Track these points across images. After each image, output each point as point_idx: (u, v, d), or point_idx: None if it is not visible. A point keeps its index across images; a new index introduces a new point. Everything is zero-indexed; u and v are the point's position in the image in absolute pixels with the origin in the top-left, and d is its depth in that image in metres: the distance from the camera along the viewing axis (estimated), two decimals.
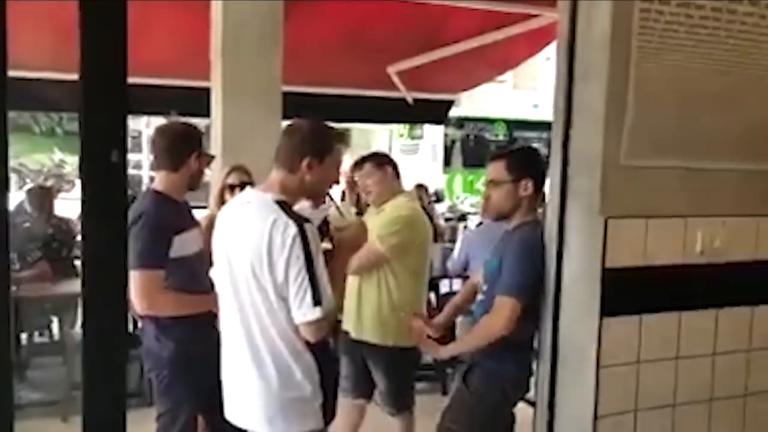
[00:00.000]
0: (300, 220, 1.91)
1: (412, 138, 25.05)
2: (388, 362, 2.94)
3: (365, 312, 2.93)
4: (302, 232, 1.88)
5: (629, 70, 2.16)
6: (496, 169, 2.50)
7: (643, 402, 2.30)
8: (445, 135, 16.71)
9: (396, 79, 6.03)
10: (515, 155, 2.57)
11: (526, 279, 2.34)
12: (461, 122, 16.89)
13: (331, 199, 2.20)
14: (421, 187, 6.61)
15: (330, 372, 2.06)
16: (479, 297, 2.55)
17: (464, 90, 7.79)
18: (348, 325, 3.01)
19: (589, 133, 2.23)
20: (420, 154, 21.02)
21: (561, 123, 2.32)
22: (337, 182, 2.14)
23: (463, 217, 9.53)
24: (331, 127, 2.11)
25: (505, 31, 5.10)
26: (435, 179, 15.67)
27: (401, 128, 23.73)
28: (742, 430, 2.46)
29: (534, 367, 2.48)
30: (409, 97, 6.43)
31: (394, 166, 3.04)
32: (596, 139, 2.20)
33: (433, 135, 18.00)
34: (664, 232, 2.27)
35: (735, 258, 2.37)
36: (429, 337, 2.61)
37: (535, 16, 4.79)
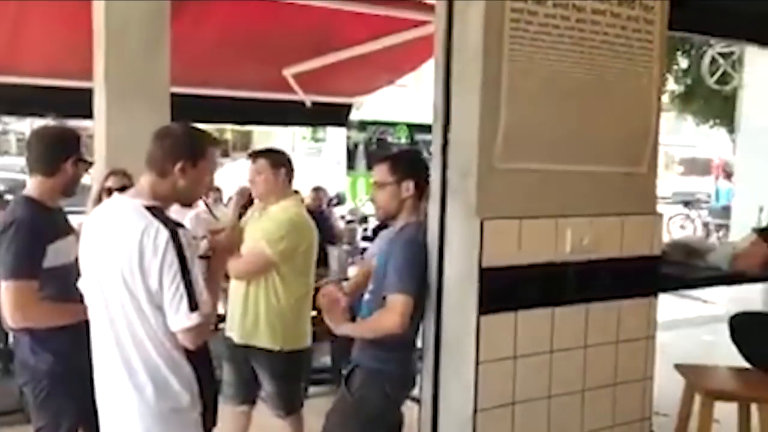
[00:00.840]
0: (172, 225, 1.88)
1: (315, 141, 24.96)
2: (278, 365, 2.94)
3: (253, 316, 2.91)
4: (175, 238, 1.85)
5: (501, 76, 2.26)
6: (380, 171, 2.55)
7: (521, 395, 2.40)
8: (348, 138, 16.81)
9: (292, 82, 6.02)
10: (398, 158, 2.64)
11: (413, 278, 2.40)
12: (364, 125, 17.04)
13: (205, 203, 2.17)
14: (319, 190, 6.62)
15: (209, 380, 2.04)
16: (366, 296, 2.59)
17: (363, 94, 7.86)
18: (232, 330, 2.98)
19: (465, 138, 2.32)
20: (323, 157, 20.96)
21: (440, 127, 2.40)
22: (212, 187, 2.12)
23: (364, 220, 9.61)
24: (205, 131, 2.08)
25: (399, 36, 5.19)
26: (338, 182, 15.71)
27: (304, 131, 23.60)
28: (612, 418, 2.61)
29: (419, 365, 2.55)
30: (307, 100, 6.43)
31: (289, 169, 3.03)
32: (472, 143, 2.28)
33: (337, 138, 18.03)
34: (536, 232, 2.38)
35: (602, 255, 2.52)
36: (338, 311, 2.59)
37: (429, 22, 4.90)
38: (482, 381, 2.31)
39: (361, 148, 16.61)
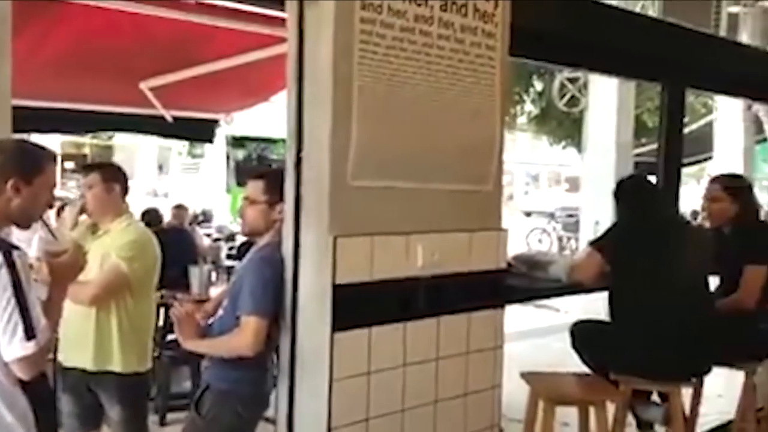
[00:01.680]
0: (6, 246, 1.76)
1: (193, 156, 24.18)
2: (128, 389, 2.80)
3: (104, 340, 2.77)
4: (8, 260, 1.73)
5: (352, 94, 2.31)
6: (254, 188, 2.52)
7: (375, 410, 2.43)
8: (227, 155, 16.50)
9: (150, 96, 5.80)
10: (274, 177, 2.52)
11: (268, 298, 2.38)
12: (243, 142, 16.79)
13: (44, 222, 2.04)
14: (180, 208, 6.42)
15: (47, 412, 1.91)
16: (219, 312, 2.54)
17: (234, 110, 7.70)
18: (74, 359, 2.81)
19: (318, 155, 2.34)
20: (201, 173, 20.33)
21: (293, 145, 2.40)
22: (51, 205, 2.01)
23: (231, 237, 9.43)
24: (43, 146, 1.97)
25: (262, 52, 5.14)
26: (216, 198, 15.36)
27: (180, 146, 22.77)
28: (464, 427, 2.71)
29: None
30: (168, 115, 6.22)
31: (124, 185, 2.90)
32: (324, 160, 2.31)
33: (216, 154, 17.63)
34: (388, 248, 2.44)
35: (452, 269, 2.62)
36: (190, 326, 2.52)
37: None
38: (336, 398, 2.32)
39: (232, 164, 16.32)
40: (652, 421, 3.47)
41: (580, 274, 3.13)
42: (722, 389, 4.16)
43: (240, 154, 16.77)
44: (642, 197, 3.19)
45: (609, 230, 3.18)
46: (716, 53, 4.41)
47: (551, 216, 17.62)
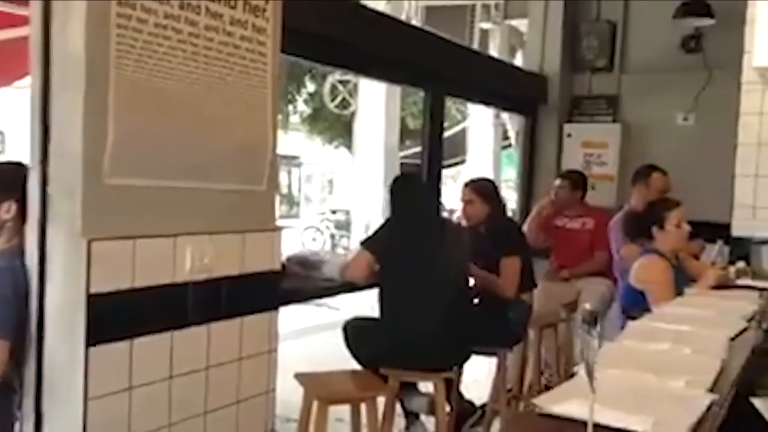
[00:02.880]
0: None
1: None
2: None
3: None
4: None
5: (109, 85, 2.09)
6: None
7: (138, 427, 2.24)
8: None
9: None
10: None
11: (5, 314, 2.08)
12: None
13: None
14: None
15: None
16: None
17: None
18: None
19: (69, 151, 2.08)
20: None
21: (38, 139, 2.12)
22: None
23: None
24: None
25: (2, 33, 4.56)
26: None
27: None
28: None
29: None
30: None
31: None
32: (76, 157, 2.07)
33: None
34: (152, 252, 2.25)
35: (224, 273, 2.50)
36: None
37: None
38: (92, 419, 2.09)
39: None
40: (418, 411, 3.66)
41: (352, 272, 3.19)
42: (478, 374, 4.51)
43: None
44: (411, 195, 3.34)
45: (379, 229, 3.28)
46: (472, 65, 4.78)
47: (323, 215, 18.00)
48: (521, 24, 8.36)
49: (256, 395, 2.69)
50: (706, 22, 4.89)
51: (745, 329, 2.30)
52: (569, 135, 5.52)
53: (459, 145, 11.42)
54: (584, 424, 1.28)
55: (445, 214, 3.61)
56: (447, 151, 5.62)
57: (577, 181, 4.79)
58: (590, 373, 1.17)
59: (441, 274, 3.11)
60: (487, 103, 6.45)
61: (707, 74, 5.00)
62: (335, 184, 28.26)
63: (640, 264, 3.26)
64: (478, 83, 4.76)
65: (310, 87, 15.37)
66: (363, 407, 2.92)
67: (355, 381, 3.01)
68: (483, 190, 3.83)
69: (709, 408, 1.46)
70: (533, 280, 3.92)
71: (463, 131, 12.11)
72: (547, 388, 4.28)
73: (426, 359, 3.06)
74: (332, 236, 16.45)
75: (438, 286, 3.10)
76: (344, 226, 15.27)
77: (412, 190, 3.37)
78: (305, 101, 16.10)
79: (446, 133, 5.60)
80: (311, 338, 6.45)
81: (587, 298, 4.49)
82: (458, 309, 3.16)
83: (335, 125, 15.68)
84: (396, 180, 3.47)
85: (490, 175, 8.60)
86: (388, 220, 3.31)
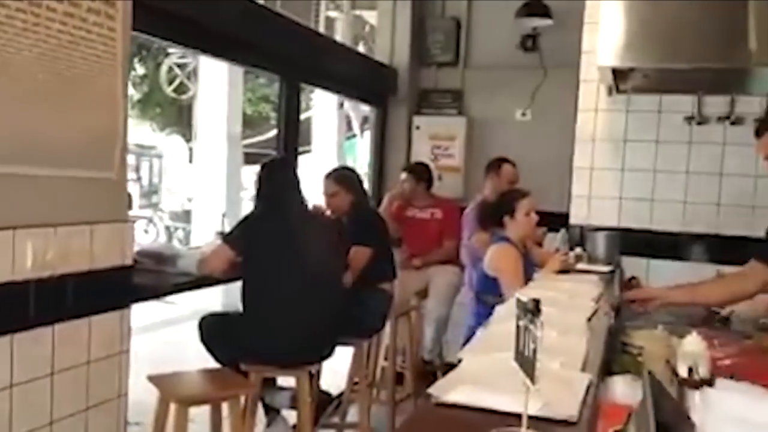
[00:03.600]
0: None
1: None
2: None
3: None
4: None
5: None
6: None
7: None
8: None
9: None
10: None
11: None
12: None
13: None
14: None
15: None
16: None
17: None
18: None
19: None
20: None
21: None
22: None
23: None
24: None
25: None
26: None
27: None
28: None
29: None
30: None
31: None
32: None
33: None
34: None
35: (70, 269, 2.27)
36: None
37: None
38: None
39: None
40: (279, 406, 3.56)
41: (211, 267, 3.03)
42: (334, 364, 4.49)
43: None
44: (283, 182, 3.19)
45: (243, 222, 3.13)
46: (329, 53, 4.72)
47: (156, 206, 17.07)
48: (369, 15, 8.41)
49: (108, 400, 2.48)
50: (545, 22, 5.18)
51: (596, 311, 2.46)
52: (418, 127, 5.63)
53: (303, 134, 11.32)
54: (481, 409, 1.30)
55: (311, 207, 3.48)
56: None
57: (421, 172, 4.89)
58: (530, 363, 1.14)
59: (304, 266, 3.02)
60: (340, 93, 6.41)
61: (543, 73, 5.31)
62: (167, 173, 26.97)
63: (492, 251, 3.39)
64: (333, 72, 4.71)
65: (140, 70, 14.50)
66: (225, 406, 2.78)
67: (215, 380, 2.86)
68: (346, 180, 3.79)
69: (588, 388, 1.53)
70: (394, 271, 3.95)
71: (308, 120, 12.02)
72: (400, 374, 4.37)
73: (292, 354, 2.97)
74: (167, 228, 15.66)
75: (301, 279, 3.00)
76: (181, 217, 14.59)
77: (284, 176, 3.23)
78: (135, 85, 15.16)
79: None
80: (147, 336, 6.08)
81: (437, 286, 4.63)
82: (321, 302, 3.09)
83: (168, 111, 14.93)
84: (266, 165, 3.31)
85: (335, 165, 8.60)
86: (252, 213, 3.16)
